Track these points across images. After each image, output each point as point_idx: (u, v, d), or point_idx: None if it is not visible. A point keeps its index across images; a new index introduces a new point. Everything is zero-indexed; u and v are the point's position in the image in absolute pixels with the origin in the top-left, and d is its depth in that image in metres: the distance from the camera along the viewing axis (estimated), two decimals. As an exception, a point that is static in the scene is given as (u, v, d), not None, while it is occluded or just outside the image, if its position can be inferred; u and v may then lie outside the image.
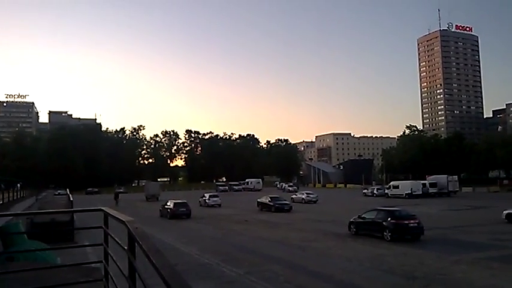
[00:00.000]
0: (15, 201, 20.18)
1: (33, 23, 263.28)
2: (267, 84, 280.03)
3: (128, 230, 3.07)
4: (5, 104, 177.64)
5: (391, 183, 66.19)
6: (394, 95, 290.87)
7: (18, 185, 25.18)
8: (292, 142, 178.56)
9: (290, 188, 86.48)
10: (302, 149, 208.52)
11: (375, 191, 66.43)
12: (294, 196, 55.14)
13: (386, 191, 63.24)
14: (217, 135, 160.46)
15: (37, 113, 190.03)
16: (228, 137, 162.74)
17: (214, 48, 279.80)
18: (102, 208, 4.85)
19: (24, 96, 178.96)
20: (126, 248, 3.20)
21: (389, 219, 21.49)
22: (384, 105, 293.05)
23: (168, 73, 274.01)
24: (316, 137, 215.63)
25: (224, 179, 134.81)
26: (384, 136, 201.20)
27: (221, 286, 12.86)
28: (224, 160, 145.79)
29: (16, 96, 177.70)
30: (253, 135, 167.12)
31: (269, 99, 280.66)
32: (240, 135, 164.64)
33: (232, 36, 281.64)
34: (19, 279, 6.21)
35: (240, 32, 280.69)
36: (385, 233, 21.31)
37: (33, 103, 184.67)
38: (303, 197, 53.62)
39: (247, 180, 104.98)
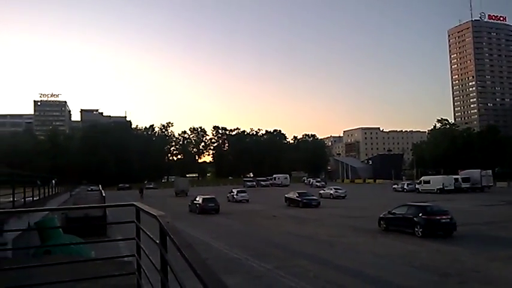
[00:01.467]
0: (51, 197, 20.88)
1: (64, 23, 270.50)
2: (294, 79, 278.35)
3: (159, 224, 3.13)
4: (39, 103, 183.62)
5: (422, 178, 64.76)
6: (424, 88, 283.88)
7: (53, 181, 26.03)
8: (320, 137, 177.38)
9: (318, 184, 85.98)
10: (330, 144, 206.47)
11: (405, 186, 65.24)
12: (321, 191, 54.78)
13: (417, 186, 61.94)
14: (244, 131, 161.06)
15: (69, 111, 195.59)
16: (255, 133, 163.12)
17: (241, 44, 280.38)
18: (134, 203, 4.96)
19: (57, 95, 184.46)
20: (158, 241, 3.26)
21: (420, 214, 21.05)
22: (413, 98, 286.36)
23: (195, 70, 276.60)
24: (344, 131, 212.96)
25: (251, 175, 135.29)
26: (413, 130, 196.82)
27: (250, 281, 12.94)
28: (251, 156, 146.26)
29: (49, 96, 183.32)
30: (280, 130, 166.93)
31: (296, 94, 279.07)
32: (266, 130, 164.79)
33: (257, 32, 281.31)
34: (56, 272, 6.43)
35: (266, 28, 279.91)
36: (416, 229, 20.90)
37: (65, 102, 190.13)
38: (331, 192, 53.18)
39: (274, 175, 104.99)
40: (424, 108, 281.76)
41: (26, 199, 13.20)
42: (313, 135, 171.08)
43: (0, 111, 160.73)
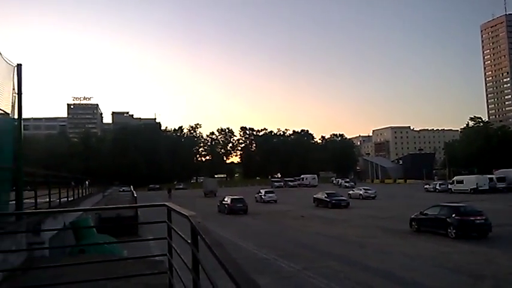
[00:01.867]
0: (84, 198, 21.50)
1: (95, 29, 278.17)
2: (321, 78, 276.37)
3: (191, 224, 3.19)
4: (72, 107, 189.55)
5: (455, 178, 62.93)
6: (456, 85, 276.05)
7: (87, 182, 26.80)
8: (348, 137, 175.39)
9: (347, 184, 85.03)
10: (358, 143, 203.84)
11: (437, 187, 63.64)
12: (351, 192, 54.14)
13: (449, 186, 60.29)
14: (271, 132, 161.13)
15: (101, 114, 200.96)
16: (282, 133, 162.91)
17: (269, 45, 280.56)
18: (166, 203, 5.06)
19: (89, 98, 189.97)
20: (189, 241, 3.32)
21: (453, 215, 20.49)
22: (445, 96, 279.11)
23: (222, 72, 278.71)
24: (373, 131, 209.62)
25: (279, 175, 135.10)
26: (445, 129, 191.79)
27: (279, 281, 12.93)
28: (279, 156, 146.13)
29: (82, 99, 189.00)
30: (307, 130, 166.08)
31: (324, 94, 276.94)
32: (294, 131, 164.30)
33: (285, 31, 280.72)
34: (90, 271, 6.63)
35: (292, 27, 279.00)
36: (449, 230, 20.37)
37: (97, 105, 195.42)
38: (361, 192, 52.46)
39: (302, 176, 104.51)
40: (456, 105, 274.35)
41: (61, 200, 13.65)
42: (342, 135, 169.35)
43: (36, 114, 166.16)
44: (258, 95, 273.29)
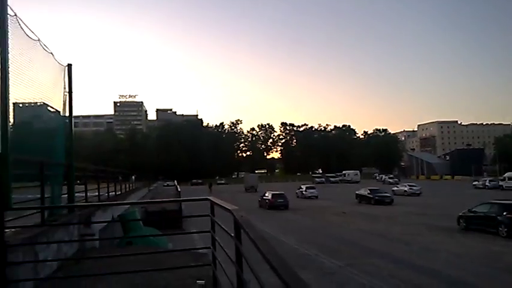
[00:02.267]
0: (131, 192, 22.31)
1: (138, 28, 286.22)
2: (363, 71, 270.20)
3: (234, 218, 3.25)
4: (118, 104, 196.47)
5: (506, 174, 59.88)
6: (507, 77, 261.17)
7: (133, 177, 27.77)
8: (392, 132, 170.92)
9: (391, 180, 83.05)
10: (403, 138, 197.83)
11: (487, 183, 60.92)
12: (395, 188, 52.82)
13: (500, 183, 57.56)
14: (312, 127, 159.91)
15: (146, 111, 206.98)
16: (323, 129, 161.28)
17: (308, 39, 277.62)
18: (209, 198, 5.17)
19: (134, 96, 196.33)
20: (232, 235, 3.39)
21: (505, 213, 19.55)
22: (495, 89, 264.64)
23: (262, 67, 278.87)
24: (419, 125, 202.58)
25: (320, 171, 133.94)
26: (495, 123, 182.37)
27: (322, 277, 12.87)
28: (320, 152, 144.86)
29: (127, 97, 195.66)
30: (349, 125, 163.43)
31: (365, 88, 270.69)
32: (335, 126, 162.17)
33: (325, 26, 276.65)
34: (137, 261, 6.90)
35: (330, 23, 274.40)
36: (500, 229, 19.46)
37: (142, 102, 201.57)
38: (405, 189, 51.05)
39: (344, 171, 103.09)
40: (507, 99, 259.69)
41: (110, 194, 14.25)
42: (385, 130, 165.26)
43: (85, 112, 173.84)
44: (299, 90, 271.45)
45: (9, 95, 5.11)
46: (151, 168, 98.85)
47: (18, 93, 5.47)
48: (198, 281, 5.52)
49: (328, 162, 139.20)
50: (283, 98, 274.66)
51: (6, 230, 5.15)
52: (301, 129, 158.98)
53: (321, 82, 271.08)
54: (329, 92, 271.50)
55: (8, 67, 5.07)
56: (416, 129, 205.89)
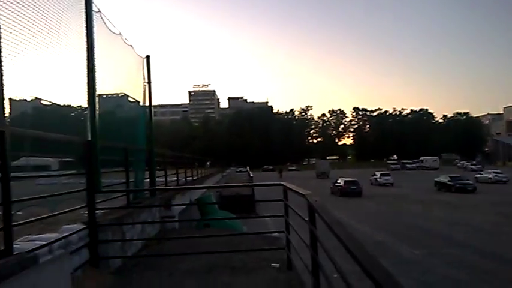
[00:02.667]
0: (206, 177, 23.18)
1: (210, 20, 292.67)
2: (441, 52, 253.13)
3: (308, 202, 3.27)
4: (192, 93, 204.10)
5: None
6: None
7: (208, 163, 28.79)
8: (474, 115, 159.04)
9: (473, 167, 77.64)
10: (487, 122, 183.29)
11: None
12: (478, 175, 49.31)
13: None
14: (386, 112, 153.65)
15: (218, 99, 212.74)
16: (398, 113, 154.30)
17: (378, 22, 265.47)
18: (282, 183, 5.23)
19: (207, 85, 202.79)
20: (307, 219, 3.41)
21: None
22: None
23: (332, 51, 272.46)
24: (505, 108, 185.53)
25: (395, 157, 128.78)
26: None
27: (399, 266, 12.47)
28: (395, 137, 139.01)
29: (201, 86, 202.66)
30: (427, 109, 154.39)
31: (444, 69, 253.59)
32: (412, 110, 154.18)
33: (399, 7, 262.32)
34: (215, 243, 7.20)
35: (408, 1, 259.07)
36: None
37: (214, 91, 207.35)
38: (490, 176, 47.44)
39: (421, 158, 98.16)
40: None
41: (187, 178, 14.93)
42: (467, 114, 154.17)
43: (162, 102, 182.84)
44: (371, 73, 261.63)
45: (96, 86, 5.53)
46: (224, 154, 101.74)
47: (103, 85, 5.90)
48: (272, 264, 5.64)
49: (404, 148, 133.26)
50: (354, 82, 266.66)
51: (97, 211, 5.63)
52: (375, 114, 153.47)
53: (396, 64, 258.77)
54: (404, 75, 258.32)
55: (94, 61, 5.48)
56: (502, 112, 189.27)
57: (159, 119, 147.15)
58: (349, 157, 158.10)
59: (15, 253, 3.44)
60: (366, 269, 1.69)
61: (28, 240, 4.13)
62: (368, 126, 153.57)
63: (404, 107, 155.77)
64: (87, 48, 5.42)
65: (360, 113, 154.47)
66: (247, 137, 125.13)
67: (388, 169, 77.22)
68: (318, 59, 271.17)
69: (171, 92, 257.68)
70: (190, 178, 16.20)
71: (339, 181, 37.37)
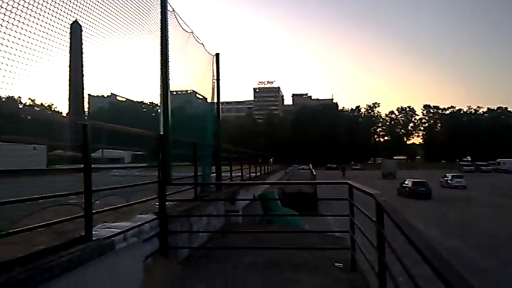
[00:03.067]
0: (270, 173, 23.39)
1: (275, 16, 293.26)
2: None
3: (376, 202, 3.19)
4: (257, 90, 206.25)
5: None
6: None
7: (271, 160, 29.00)
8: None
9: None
10: None
11: None
12: None
13: None
14: (459, 110, 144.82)
15: (282, 96, 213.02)
16: (473, 111, 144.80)
17: (451, 13, 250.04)
18: (348, 182, 5.14)
19: (272, 82, 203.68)
20: (374, 219, 3.33)
21: None
22: None
23: (402, 48, 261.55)
24: None
25: (469, 158, 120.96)
26: None
27: (472, 275, 11.74)
28: (469, 137, 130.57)
29: (265, 83, 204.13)
30: (505, 108, 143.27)
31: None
32: (488, 108, 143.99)
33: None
34: (277, 239, 7.26)
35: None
36: None
37: (279, 88, 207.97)
38: None
39: (499, 160, 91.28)
40: None
41: (251, 174, 15.15)
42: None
43: (227, 98, 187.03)
44: (443, 69, 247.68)
45: (170, 83, 5.79)
46: (287, 151, 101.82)
47: (174, 82, 6.16)
48: (336, 264, 5.57)
49: (478, 149, 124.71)
50: (426, 79, 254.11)
51: (167, 203, 5.89)
52: (447, 112, 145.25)
53: (472, 60, 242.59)
54: (480, 71, 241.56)
55: (168, 59, 5.74)
56: None
57: (224, 115, 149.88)
58: (417, 157, 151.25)
59: (93, 239, 3.71)
60: (438, 270, 1.63)
61: (105, 228, 4.43)
62: (439, 124, 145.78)
63: (480, 105, 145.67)
64: (162, 46, 5.68)
65: (431, 110, 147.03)
66: (311, 134, 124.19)
67: (461, 171, 72.78)
68: (387, 54, 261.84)
69: (236, 88, 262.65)
70: (254, 174, 16.42)
71: (406, 182, 35.93)
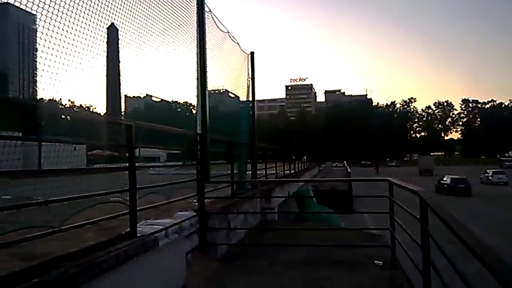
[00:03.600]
0: (304, 171, 23.28)
1: (307, 12, 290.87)
2: None
3: (420, 199, 3.14)
4: (289, 88, 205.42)
5: None
6: None
7: (304, 157, 28.88)
8: None
9: None
10: None
11: None
12: None
13: None
14: (501, 104, 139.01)
15: (315, 93, 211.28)
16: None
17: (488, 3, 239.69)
18: (388, 178, 5.07)
19: (304, 79, 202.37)
20: (418, 216, 3.28)
21: None
22: None
23: (438, 40, 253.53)
24: None
25: (511, 154, 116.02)
26: None
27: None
28: (510, 132, 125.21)
29: (298, 80, 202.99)
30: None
31: None
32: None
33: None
34: (312, 236, 7.24)
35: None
36: None
37: (311, 85, 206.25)
38: None
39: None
40: None
41: (285, 172, 15.15)
42: None
43: (260, 96, 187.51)
44: (482, 61, 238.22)
45: (207, 83, 5.88)
46: (320, 148, 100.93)
47: (212, 81, 6.24)
48: (376, 262, 5.50)
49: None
50: (464, 72, 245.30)
51: (206, 200, 6.00)
52: (487, 106, 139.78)
53: (511, 50, 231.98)
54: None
55: (206, 59, 5.83)
56: None
57: (258, 113, 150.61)
58: (456, 153, 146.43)
59: (138, 235, 3.83)
60: (491, 267, 1.60)
61: (147, 225, 4.56)
62: (479, 119, 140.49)
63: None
64: (200, 46, 5.76)
65: (470, 105, 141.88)
66: (344, 131, 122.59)
67: (502, 167, 69.94)
68: (423, 48, 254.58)
69: (268, 86, 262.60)
70: (288, 171, 16.40)
71: (445, 178, 34.89)
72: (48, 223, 3.10)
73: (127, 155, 3.83)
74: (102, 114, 5.45)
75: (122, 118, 3.87)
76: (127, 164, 3.80)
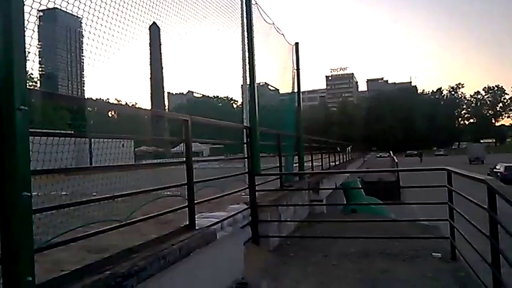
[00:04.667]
0: (349, 162, 22.92)
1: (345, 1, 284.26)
2: None
3: (488, 187, 3.01)
4: (330, 78, 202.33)
5: None
6: None
7: (349, 148, 28.42)
8: None
9: None
10: None
11: None
12: None
13: None
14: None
15: (356, 82, 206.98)
16: None
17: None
18: (446, 168, 4.90)
19: (345, 69, 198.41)
20: (486, 206, 3.15)
21: None
22: None
23: (486, 22, 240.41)
24: None
25: None
26: None
27: None
28: None
29: (338, 70, 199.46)
30: None
31: None
32: None
33: None
34: (364, 228, 7.12)
35: None
36: None
37: (352, 74, 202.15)
38: None
39: None
40: None
41: (331, 164, 14.99)
42: None
43: (301, 88, 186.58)
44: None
45: (256, 76, 5.90)
46: (363, 139, 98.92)
47: (259, 74, 6.24)
48: (433, 253, 5.34)
49: None
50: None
51: (257, 193, 6.04)
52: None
53: None
54: None
55: (254, 51, 5.84)
56: None
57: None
58: (508, 140, 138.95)
59: (197, 228, 3.91)
60: None
61: (203, 218, 4.66)
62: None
63: None
64: (247, 40, 5.77)
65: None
66: (388, 120, 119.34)
67: (560, 153, 65.84)
68: (468, 31, 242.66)
69: (307, 78, 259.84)
70: (334, 163, 16.22)
71: (498, 167, 33.16)
72: (115, 217, 3.24)
73: (184, 151, 3.90)
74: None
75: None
76: (184, 159, 3.88)
